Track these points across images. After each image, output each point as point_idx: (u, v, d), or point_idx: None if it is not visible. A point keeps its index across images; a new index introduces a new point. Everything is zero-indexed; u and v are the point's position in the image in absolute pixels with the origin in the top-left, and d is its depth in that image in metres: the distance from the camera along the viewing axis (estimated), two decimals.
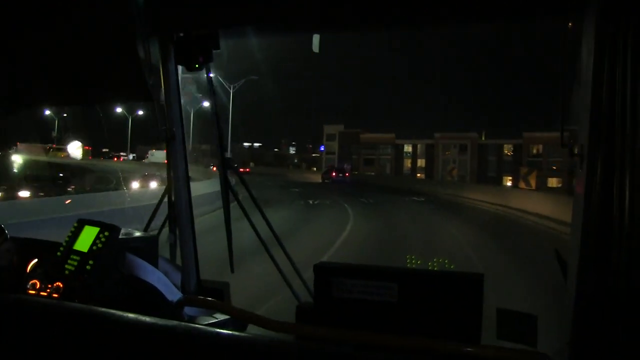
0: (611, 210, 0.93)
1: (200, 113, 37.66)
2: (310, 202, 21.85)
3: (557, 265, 1.17)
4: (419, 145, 66.61)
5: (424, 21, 1.40)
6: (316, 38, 1.64)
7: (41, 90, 1.56)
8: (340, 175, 46.18)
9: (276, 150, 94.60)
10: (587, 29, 1.02)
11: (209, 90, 1.79)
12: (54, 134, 63.80)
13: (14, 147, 66.04)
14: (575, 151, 1.06)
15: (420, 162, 66.06)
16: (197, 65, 1.63)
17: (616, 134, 0.93)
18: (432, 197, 27.25)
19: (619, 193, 0.92)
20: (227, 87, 36.43)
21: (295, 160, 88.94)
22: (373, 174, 60.50)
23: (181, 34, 1.61)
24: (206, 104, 37.54)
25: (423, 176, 61.90)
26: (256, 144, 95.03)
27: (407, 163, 67.47)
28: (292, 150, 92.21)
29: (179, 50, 1.64)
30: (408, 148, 67.94)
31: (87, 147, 68.17)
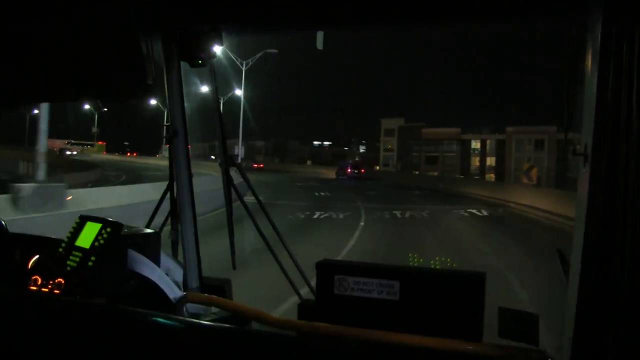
0: (614, 210, 0.97)
1: (232, 101, 36.04)
2: (316, 215, 16.18)
3: (559, 264, 1.22)
4: (488, 141, 64.08)
5: (426, 20, 1.47)
6: (320, 35, 1.70)
7: (44, 87, 1.70)
8: (356, 171, 47.62)
9: (346, 148, 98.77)
10: (592, 27, 1.06)
11: (212, 87, 1.88)
12: (94, 129, 68.44)
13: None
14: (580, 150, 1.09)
15: (490, 160, 63.56)
16: (200, 62, 1.72)
17: (621, 133, 0.97)
18: (500, 208, 20.11)
19: (622, 192, 0.96)
20: (238, 63, 31.67)
21: (356, 159, 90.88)
22: (436, 173, 59.03)
23: (184, 31, 1.71)
24: (238, 92, 35.45)
25: (493, 176, 59.56)
26: (326, 143, 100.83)
27: (475, 161, 65.18)
28: (362, 149, 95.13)
29: (181, 46, 1.73)
30: (476, 144, 65.56)
31: (100, 142, 72.94)
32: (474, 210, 19.19)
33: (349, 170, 48.53)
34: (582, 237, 1.03)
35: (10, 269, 1.79)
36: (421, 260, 7.78)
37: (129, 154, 71.71)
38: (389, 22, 1.54)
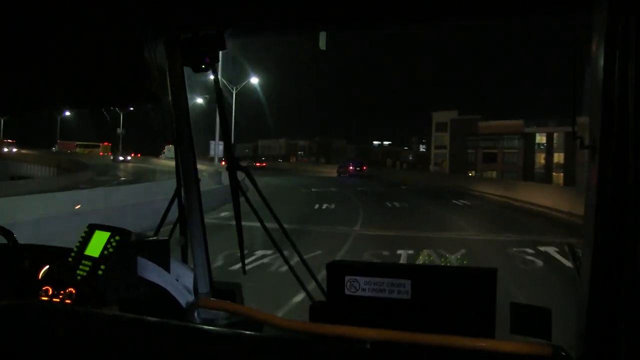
0: (624, 203, 1.02)
1: (246, 91, 35.02)
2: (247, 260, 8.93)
3: (571, 260, 1.27)
4: (555, 134, 61.34)
5: (429, 19, 1.55)
6: (323, 35, 1.79)
7: (48, 94, 1.85)
8: (358, 169, 50.83)
9: (406, 148, 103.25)
10: (599, 18, 1.10)
11: (216, 91, 1.98)
12: (119, 130, 71.14)
13: (55, 145, 77.91)
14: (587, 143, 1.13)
15: (558, 157, 60.85)
16: (203, 66, 1.82)
17: (629, 125, 1.01)
18: None
19: (632, 185, 1.01)
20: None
21: (410, 157, 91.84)
22: (495, 173, 56.85)
23: (187, 35, 1.82)
24: (254, 80, 35.37)
25: (561, 176, 57.06)
26: (386, 142, 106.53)
27: (540, 158, 62.51)
28: (422, 148, 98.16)
29: (185, 51, 1.84)
30: (541, 138, 62.91)
31: (106, 143, 75.45)
32: (551, 250, 10.80)
33: (351, 168, 51.06)
34: (592, 232, 1.08)
35: (20, 279, 1.94)
36: (431, 258, 7.89)
37: (132, 154, 74.01)
38: (389, 22, 1.64)
